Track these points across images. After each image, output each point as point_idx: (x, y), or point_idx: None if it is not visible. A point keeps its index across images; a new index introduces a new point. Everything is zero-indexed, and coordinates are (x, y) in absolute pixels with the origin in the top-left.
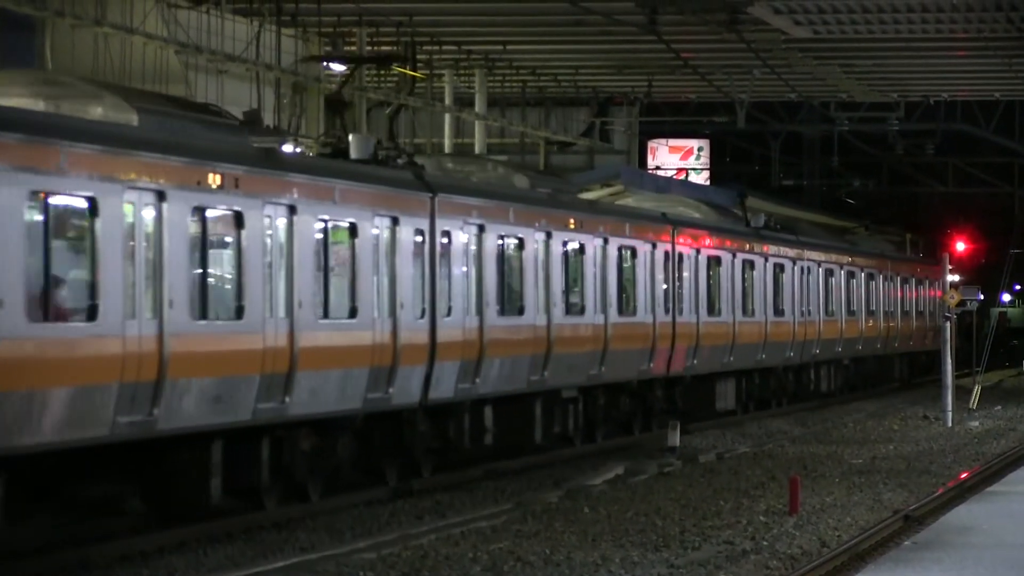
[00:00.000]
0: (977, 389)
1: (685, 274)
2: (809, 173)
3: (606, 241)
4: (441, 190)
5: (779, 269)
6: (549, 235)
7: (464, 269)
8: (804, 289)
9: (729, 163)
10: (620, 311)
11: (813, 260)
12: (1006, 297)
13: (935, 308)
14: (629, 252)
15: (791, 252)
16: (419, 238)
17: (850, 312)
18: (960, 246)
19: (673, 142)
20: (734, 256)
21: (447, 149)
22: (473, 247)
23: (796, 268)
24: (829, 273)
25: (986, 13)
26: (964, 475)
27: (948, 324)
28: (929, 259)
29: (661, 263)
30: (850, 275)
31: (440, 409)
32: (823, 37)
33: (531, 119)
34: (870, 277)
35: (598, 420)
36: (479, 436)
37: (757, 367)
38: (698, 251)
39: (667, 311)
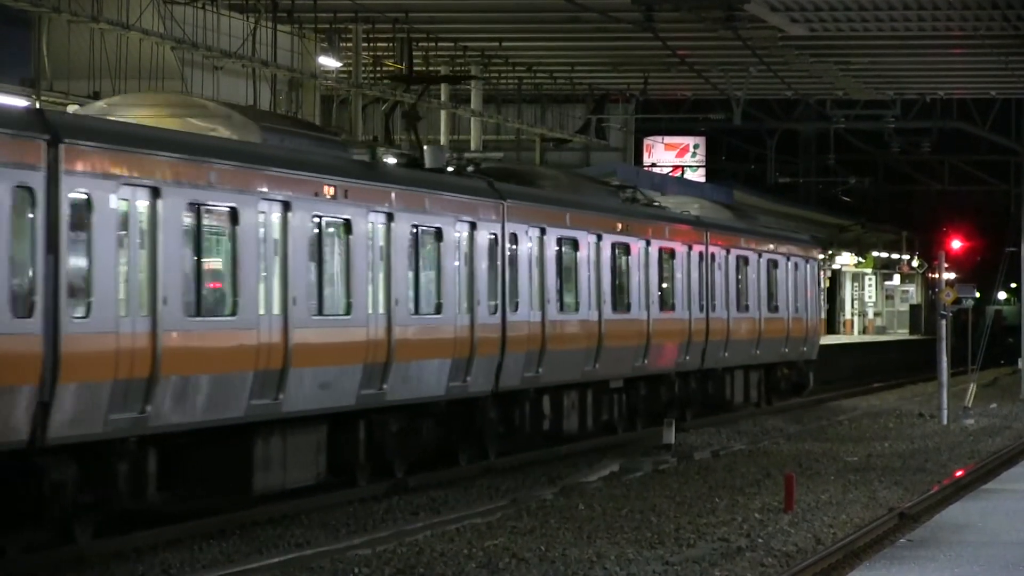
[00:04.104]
0: (972, 387)
1: (165, 240)
2: (805, 171)
3: None
4: None
5: (434, 237)
6: None
7: None
8: (497, 271)
9: (725, 161)
10: None
11: (531, 224)
12: (1001, 295)
13: (808, 302)
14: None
15: (474, 209)
16: None
17: (621, 306)
18: (956, 244)
19: (669, 139)
20: (311, 216)
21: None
22: None
23: (480, 237)
24: (572, 245)
25: (982, 11)
26: (959, 473)
27: (944, 322)
28: (798, 233)
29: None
30: (620, 250)
31: None
32: (820, 35)
33: (527, 116)
34: (669, 255)
35: None
36: None
37: (400, 402)
38: (199, 208)
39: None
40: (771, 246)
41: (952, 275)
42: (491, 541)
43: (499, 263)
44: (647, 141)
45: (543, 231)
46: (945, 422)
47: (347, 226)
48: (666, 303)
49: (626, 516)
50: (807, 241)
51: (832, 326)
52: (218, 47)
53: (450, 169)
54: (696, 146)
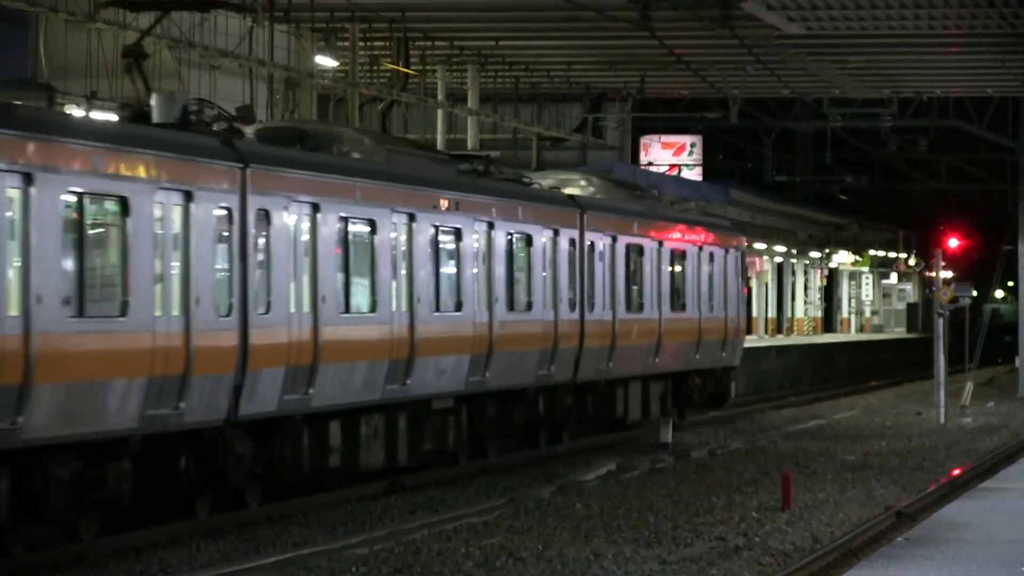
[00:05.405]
0: (970, 386)
1: None
2: (802, 169)
3: None
4: None
5: (115, 211)
6: None
7: None
8: (233, 259)
9: (722, 159)
10: None
11: (296, 199)
12: (998, 293)
13: (729, 299)
14: None
15: (191, 175)
16: None
17: (447, 306)
18: (953, 242)
19: (666, 138)
20: None
21: (439, 145)
22: None
23: (201, 214)
24: (368, 228)
25: (979, 9)
26: (956, 471)
27: (941, 320)
28: (714, 218)
29: None
30: (446, 234)
31: None
32: (816, 33)
33: (524, 115)
34: (524, 242)
35: None
36: None
37: (49, 440)
38: None
39: None
40: (676, 233)
41: (949, 273)
42: (488, 540)
43: (235, 249)
44: (644, 140)
45: (316, 208)
46: (942, 420)
47: None
48: (518, 302)
49: (623, 515)
50: (727, 228)
51: (829, 325)
52: (215, 46)
53: (227, 130)
54: (693, 145)
